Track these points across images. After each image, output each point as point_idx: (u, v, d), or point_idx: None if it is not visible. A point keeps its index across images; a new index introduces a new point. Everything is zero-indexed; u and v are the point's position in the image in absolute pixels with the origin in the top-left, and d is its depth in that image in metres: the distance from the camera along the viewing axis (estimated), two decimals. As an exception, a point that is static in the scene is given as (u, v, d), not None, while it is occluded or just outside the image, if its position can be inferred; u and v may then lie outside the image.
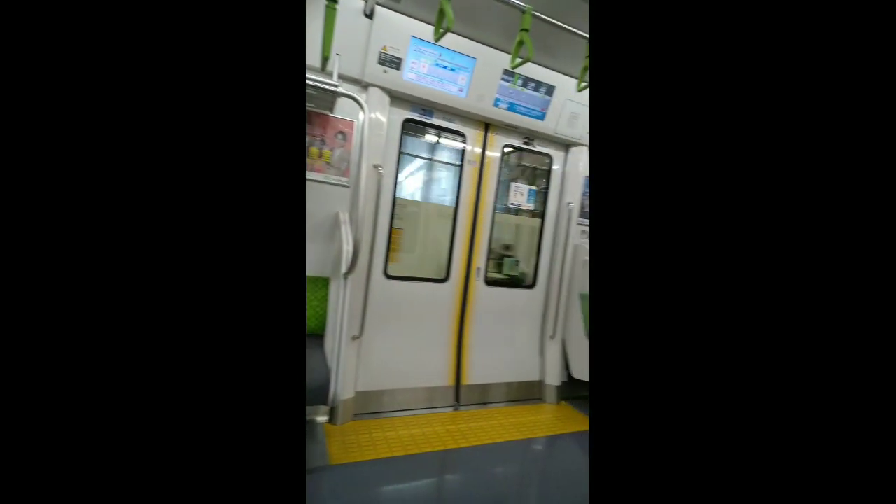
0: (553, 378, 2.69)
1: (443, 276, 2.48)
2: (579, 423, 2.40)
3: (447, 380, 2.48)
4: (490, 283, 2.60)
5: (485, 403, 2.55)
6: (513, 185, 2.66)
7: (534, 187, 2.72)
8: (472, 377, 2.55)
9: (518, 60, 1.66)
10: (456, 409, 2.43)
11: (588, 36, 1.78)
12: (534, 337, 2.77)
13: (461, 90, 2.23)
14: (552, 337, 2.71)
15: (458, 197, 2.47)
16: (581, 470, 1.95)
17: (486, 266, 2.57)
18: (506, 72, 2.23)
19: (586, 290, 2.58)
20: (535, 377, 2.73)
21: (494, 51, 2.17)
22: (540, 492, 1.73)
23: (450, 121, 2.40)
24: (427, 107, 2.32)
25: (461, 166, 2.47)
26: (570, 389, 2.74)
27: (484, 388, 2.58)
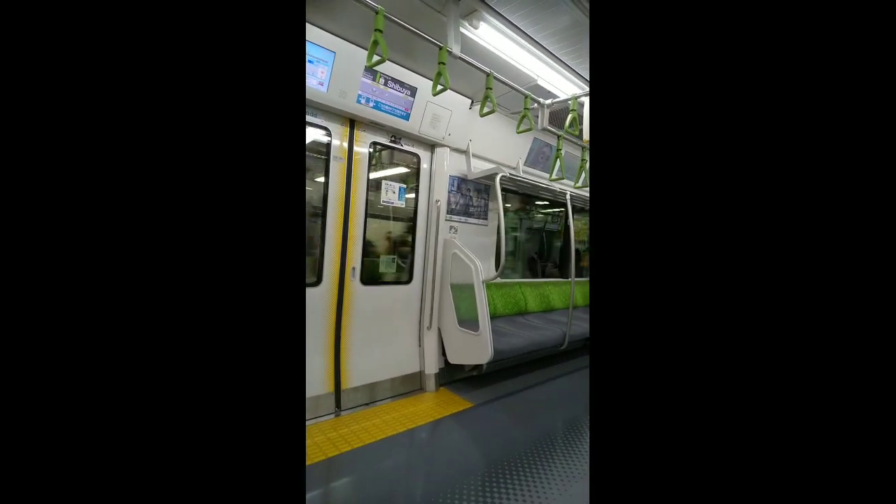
0: (432, 367, 2.83)
1: (313, 279, 2.35)
2: (458, 404, 2.59)
3: (326, 387, 2.38)
4: (366, 281, 2.58)
5: (368, 403, 2.53)
6: (384, 182, 2.68)
7: (404, 185, 2.80)
8: (352, 380, 2.49)
9: (375, 59, 1.68)
10: (338, 416, 2.35)
11: (441, 44, 1.91)
12: (412, 330, 2.86)
13: (321, 84, 2.14)
14: (429, 328, 2.85)
15: (325, 195, 2.37)
16: (462, 446, 2.11)
17: (362, 265, 2.54)
18: (367, 69, 2.23)
19: (456, 280, 2.79)
20: (415, 369, 2.83)
21: (354, 47, 2.14)
22: (427, 474, 1.81)
23: (312, 114, 2.28)
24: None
25: (327, 163, 2.37)
26: (447, 375, 2.92)
27: (366, 389, 2.55)
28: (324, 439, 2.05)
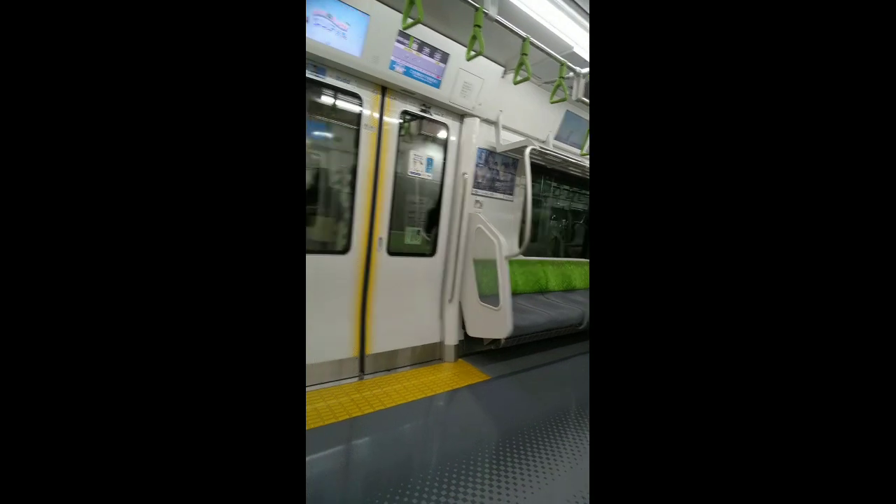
0: (451, 338, 2.89)
1: (343, 246, 2.39)
2: (475, 376, 2.65)
3: (351, 351, 2.47)
4: (392, 252, 2.61)
5: (389, 370, 2.63)
6: (412, 153, 2.65)
7: (432, 156, 2.76)
8: (376, 346, 2.58)
9: (409, 21, 1.62)
10: (361, 379, 2.45)
11: (477, 6, 1.82)
12: (434, 302, 2.91)
13: (356, 48, 2.09)
14: (450, 300, 2.88)
15: (355, 164, 2.37)
16: (477, 417, 2.18)
17: (389, 236, 2.56)
18: (401, 33, 2.16)
19: (479, 255, 2.78)
20: (435, 339, 2.89)
21: (388, 9, 2.06)
22: (443, 441, 1.89)
23: (345, 81, 2.25)
24: (318, 64, 2.12)
25: (358, 131, 2.35)
26: (466, 347, 2.98)
27: (388, 355, 2.64)
28: (347, 400, 2.15)
